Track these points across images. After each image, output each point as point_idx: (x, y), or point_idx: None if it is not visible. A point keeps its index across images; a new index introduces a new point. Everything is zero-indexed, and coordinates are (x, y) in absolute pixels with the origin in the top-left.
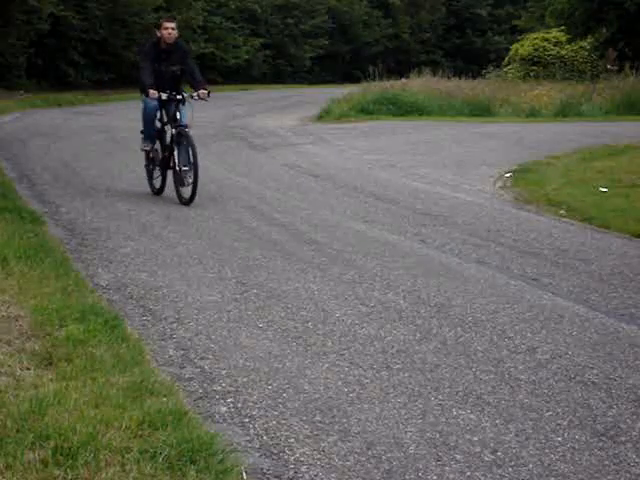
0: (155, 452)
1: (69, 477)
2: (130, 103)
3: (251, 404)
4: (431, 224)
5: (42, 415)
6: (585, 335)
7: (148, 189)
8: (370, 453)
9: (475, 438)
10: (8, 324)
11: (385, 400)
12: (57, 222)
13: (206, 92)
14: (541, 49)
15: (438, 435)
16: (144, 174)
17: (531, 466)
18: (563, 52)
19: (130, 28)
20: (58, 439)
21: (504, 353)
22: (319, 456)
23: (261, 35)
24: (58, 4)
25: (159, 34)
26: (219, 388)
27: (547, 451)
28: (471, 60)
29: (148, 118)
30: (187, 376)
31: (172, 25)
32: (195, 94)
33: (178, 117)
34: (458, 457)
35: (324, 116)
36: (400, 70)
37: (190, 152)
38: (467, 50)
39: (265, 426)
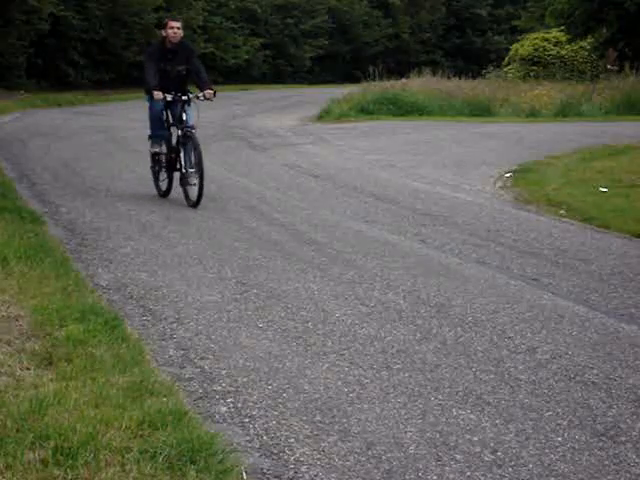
0: (155, 452)
1: (69, 477)
2: (130, 103)
3: (251, 404)
4: (431, 224)
5: (42, 415)
6: (585, 335)
7: (148, 189)
8: (370, 453)
9: (475, 438)
10: (8, 324)
11: (385, 400)
12: (57, 222)
13: (212, 92)
14: (541, 49)
15: (438, 435)
16: (144, 174)
17: (531, 466)
18: (563, 52)
19: (130, 28)
20: (58, 439)
21: (504, 353)
22: (319, 456)
23: (261, 35)
24: (58, 4)
25: (164, 34)
26: (219, 388)
27: (547, 451)
28: (471, 60)
29: (155, 119)
30: (187, 376)
31: (178, 24)
32: (201, 94)
33: (184, 118)
34: (458, 457)
35: (324, 116)
36: (400, 70)
37: (195, 154)
38: (467, 50)
39: (265, 426)
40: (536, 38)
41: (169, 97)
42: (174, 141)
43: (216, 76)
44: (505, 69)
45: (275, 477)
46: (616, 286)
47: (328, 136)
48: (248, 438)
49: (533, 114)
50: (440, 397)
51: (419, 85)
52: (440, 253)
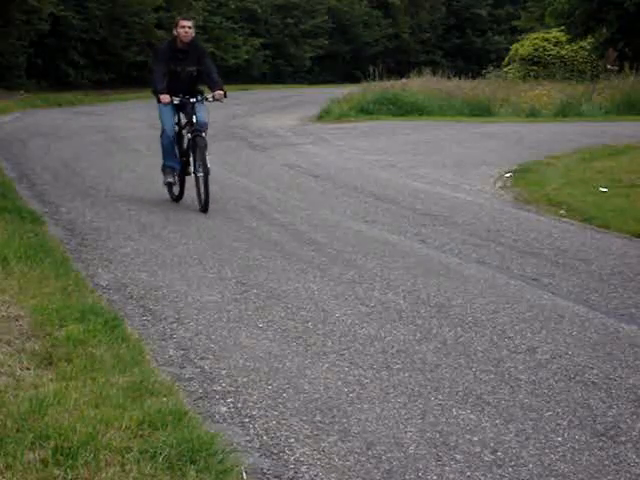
0: (155, 452)
1: (69, 477)
2: (130, 103)
3: (251, 404)
4: (431, 224)
5: (42, 415)
6: (585, 335)
7: (148, 189)
8: (370, 453)
9: (475, 438)
10: (8, 324)
11: (385, 400)
12: (57, 222)
13: (222, 93)
14: (541, 49)
15: (438, 435)
16: (144, 174)
17: (531, 466)
18: (563, 52)
19: (130, 28)
20: (58, 439)
21: (504, 353)
22: (319, 456)
23: (261, 35)
24: (58, 4)
25: (175, 33)
26: (219, 388)
27: (547, 451)
28: (471, 60)
29: (167, 148)
30: (187, 376)
31: (189, 24)
32: (210, 96)
33: (194, 120)
34: (458, 457)
35: (324, 116)
36: (400, 70)
37: (200, 157)
38: (467, 50)
39: (265, 426)
40: (536, 38)
41: (176, 100)
42: (185, 145)
43: None
44: (505, 69)
45: (275, 477)
46: (616, 286)
47: (328, 136)
48: (248, 438)
49: (533, 114)
50: (440, 397)
51: (419, 85)
52: (440, 253)
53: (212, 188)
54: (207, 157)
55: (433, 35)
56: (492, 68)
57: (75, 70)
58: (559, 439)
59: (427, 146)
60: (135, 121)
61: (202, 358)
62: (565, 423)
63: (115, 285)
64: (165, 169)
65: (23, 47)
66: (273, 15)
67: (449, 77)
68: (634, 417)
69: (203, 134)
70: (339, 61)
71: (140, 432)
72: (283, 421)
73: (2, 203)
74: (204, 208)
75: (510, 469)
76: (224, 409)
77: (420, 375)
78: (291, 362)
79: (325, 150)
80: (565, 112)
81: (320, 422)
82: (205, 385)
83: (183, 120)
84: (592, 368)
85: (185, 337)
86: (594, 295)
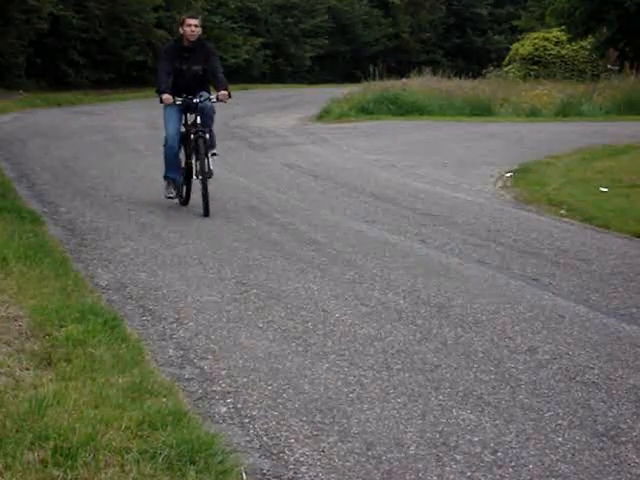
0: (155, 452)
1: (68, 477)
2: (130, 103)
3: (251, 404)
4: (431, 224)
5: (41, 415)
6: (586, 335)
7: (147, 189)
8: (370, 453)
9: (475, 438)
10: (7, 324)
11: (385, 400)
12: (57, 222)
13: (226, 93)
14: (541, 49)
15: (438, 435)
16: (144, 174)
17: (531, 466)
18: (564, 52)
19: (129, 27)
20: (58, 439)
21: (504, 353)
22: (319, 456)
23: (261, 35)
24: (57, 4)
25: (181, 31)
26: (219, 388)
27: (547, 451)
28: (471, 60)
29: (170, 160)
30: (187, 376)
31: (195, 22)
32: (214, 96)
33: (198, 122)
34: (458, 457)
35: (324, 116)
36: (400, 70)
37: (200, 159)
38: (467, 50)
39: (265, 426)
40: (536, 38)
41: (179, 101)
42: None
43: None
44: (505, 69)
45: (275, 477)
46: (617, 286)
47: (328, 136)
48: (248, 438)
49: (533, 114)
50: (440, 397)
51: (419, 85)
52: (440, 253)
53: (211, 188)
54: (210, 159)
55: (433, 35)
56: (492, 68)
57: (75, 70)
58: (559, 439)
59: (427, 146)
60: (135, 121)
61: (202, 358)
62: (565, 423)
63: (115, 285)
64: (167, 179)
65: (22, 47)
66: (273, 14)
67: (449, 77)
68: (635, 417)
69: (207, 135)
70: (339, 61)
71: (140, 432)
72: (283, 421)
73: (1, 203)
74: (204, 212)
75: (510, 469)
76: (224, 409)
77: (420, 375)
78: (291, 362)
79: (325, 150)
80: (565, 112)
81: (320, 422)
82: (205, 385)
83: (190, 120)
84: (593, 368)
85: (185, 337)
86: (595, 295)
